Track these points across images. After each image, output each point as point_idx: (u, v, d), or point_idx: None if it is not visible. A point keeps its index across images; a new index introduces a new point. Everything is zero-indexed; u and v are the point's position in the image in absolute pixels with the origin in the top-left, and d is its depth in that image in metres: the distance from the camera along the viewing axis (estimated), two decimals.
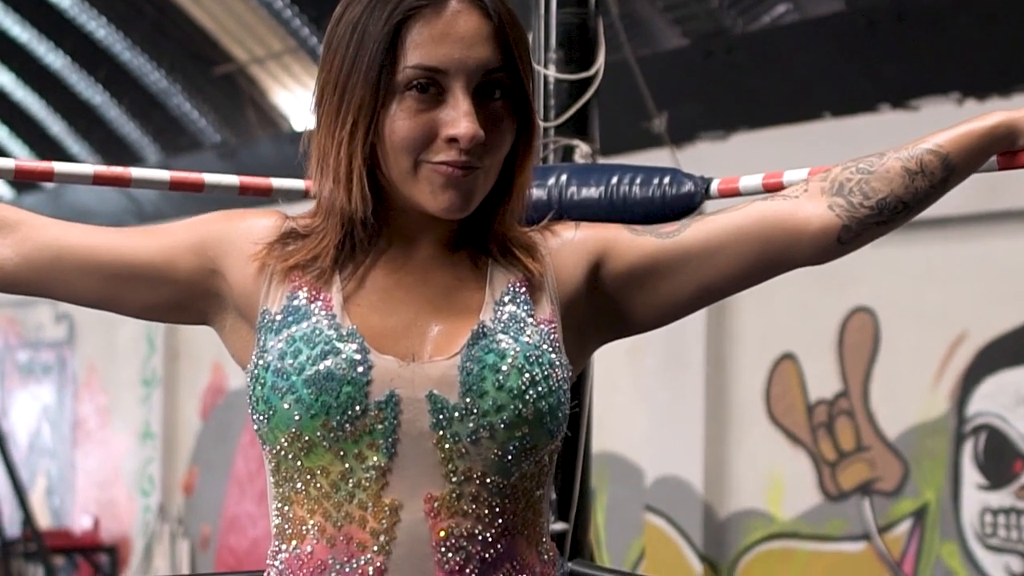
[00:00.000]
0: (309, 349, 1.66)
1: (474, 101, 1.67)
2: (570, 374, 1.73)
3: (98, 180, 2.35)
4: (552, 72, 3.15)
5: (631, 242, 1.79)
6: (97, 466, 11.83)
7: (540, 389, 1.67)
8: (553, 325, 1.74)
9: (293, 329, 1.69)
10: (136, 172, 2.39)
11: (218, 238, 1.78)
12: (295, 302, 1.72)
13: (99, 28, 9.43)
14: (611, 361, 6.89)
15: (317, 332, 1.67)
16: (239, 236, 1.78)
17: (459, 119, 1.66)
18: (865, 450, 6.26)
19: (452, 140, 1.66)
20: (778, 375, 6.60)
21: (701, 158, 6.14)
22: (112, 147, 10.36)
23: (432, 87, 1.67)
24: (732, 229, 1.78)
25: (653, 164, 2.73)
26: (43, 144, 10.73)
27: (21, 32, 9.81)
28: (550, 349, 1.70)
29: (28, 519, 9.82)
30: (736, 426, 6.74)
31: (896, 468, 6.17)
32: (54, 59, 9.95)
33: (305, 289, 1.72)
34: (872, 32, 5.82)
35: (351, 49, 1.69)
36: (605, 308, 1.80)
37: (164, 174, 2.44)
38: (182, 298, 1.79)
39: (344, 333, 1.67)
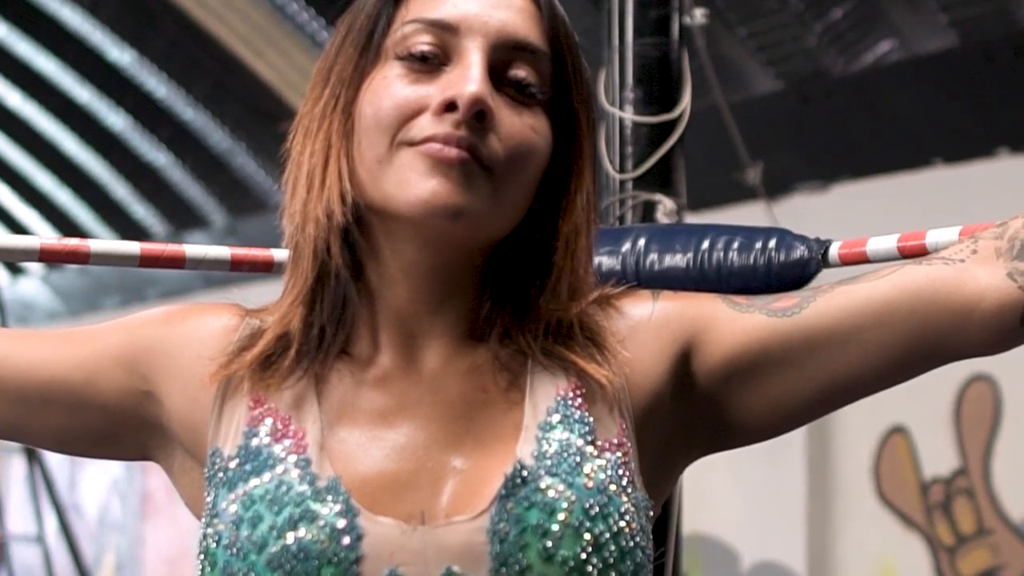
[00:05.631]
0: (273, 515, 1.16)
1: (491, 78, 1.20)
2: (651, 515, 1.22)
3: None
4: (628, 114, 2.68)
5: (733, 321, 1.30)
6: (166, 542, 11.53)
7: (607, 555, 1.17)
8: (624, 449, 1.23)
9: (252, 484, 1.19)
10: (95, 245, 1.90)
11: (151, 348, 1.29)
12: (254, 440, 1.21)
13: (160, 86, 9.18)
14: None
15: (284, 488, 1.18)
16: (179, 345, 1.29)
17: (462, 78, 1.18)
18: (987, 534, 5.84)
19: (448, 108, 1.17)
20: (888, 450, 6.18)
21: (798, 212, 5.75)
22: (178, 210, 10.08)
23: (435, 58, 1.20)
24: (875, 306, 1.29)
25: (746, 220, 2.21)
26: (107, 209, 10.48)
27: (81, 92, 9.59)
28: (618, 489, 1.20)
29: None
30: (841, 506, 6.31)
31: (1022, 554, 5.74)
32: (116, 120, 9.70)
33: (269, 421, 1.21)
34: (987, 69, 5.44)
35: (345, 24, 1.26)
36: (697, 414, 1.30)
37: (135, 247, 1.95)
38: (110, 427, 1.31)
39: (322, 487, 1.17)
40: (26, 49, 9.30)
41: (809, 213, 5.88)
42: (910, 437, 6.12)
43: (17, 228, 10.69)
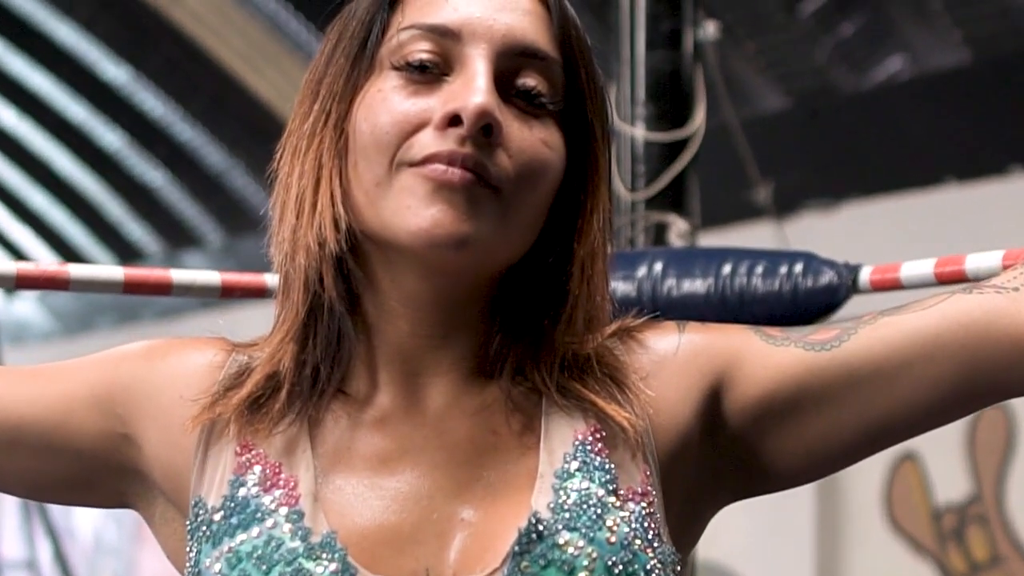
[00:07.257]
0: (262, 574, 1.05)
1: (498, 88, 1.09)
2: (678, 570, 1.11)
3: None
4: (640, 131, 2.61)
5: (767, 356, 1.17)
6: (162, 567, 11.40)
7: None
8: (649, 498, 1.12)
9: (238, 539, 1.07)
10: (75, 270, 1.79)
11: (129, 387, 1.18)
12: (241, 491, 1.10)
13: (156, 104, 9.12)
14: None
15: (274, 544, 1.06)
16: (159, 384, 1.17)
17: (465, 89, 1.07)
18: (1001, 562, 5.73)
19: (451, 122, 1.06)
20: (899, 477, 6.08)
21: (807, 231, 5.69)
22: (174, 230, 10.01)
23: (435, 67, 1.09)
24: (923, 339, 1.16)
25: (754, 240, 2.14)
26: (102, 228, 10.44)
27: (76, 110, 9.53)
28: (644, 543, 1.08)
29: None
30: (851, 534, 6.20)
31: None
32: (111, 139, 9.63)
33: (258, 469, 1.10)
34: (999, 86, 5.38)
35: (335, 32, 1.16)
36: (727, 457, 1.18)
37: (118, 272, 1.85)
38: (85, 472, 1.19)
39: (316, 543, 1.06)
40: (20, 66, 9.23)
41: (817, 232, 5.83)
42: (921, 463, 6.03)
43: (10, 247, 10.63)
